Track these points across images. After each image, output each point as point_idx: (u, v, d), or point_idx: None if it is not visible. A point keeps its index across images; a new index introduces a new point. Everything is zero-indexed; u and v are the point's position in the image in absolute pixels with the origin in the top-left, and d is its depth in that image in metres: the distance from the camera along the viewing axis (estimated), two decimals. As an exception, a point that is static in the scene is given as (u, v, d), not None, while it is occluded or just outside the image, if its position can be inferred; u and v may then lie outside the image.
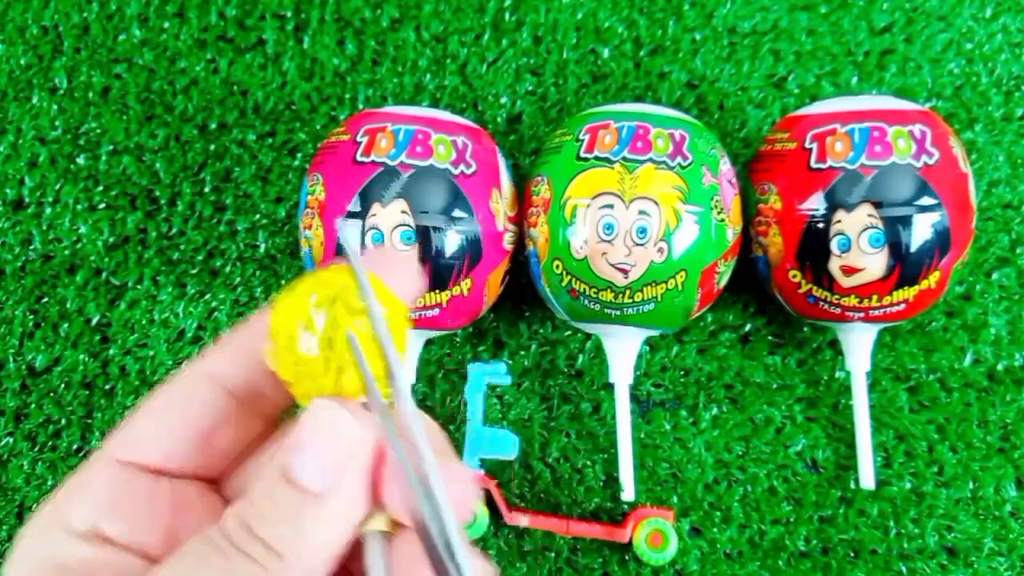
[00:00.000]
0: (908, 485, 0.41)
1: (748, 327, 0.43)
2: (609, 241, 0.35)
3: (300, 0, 0.47)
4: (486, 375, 0.39)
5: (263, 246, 0.44)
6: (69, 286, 0.44)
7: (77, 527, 0.19)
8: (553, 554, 0.41)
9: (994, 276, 0.43)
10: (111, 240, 0.44)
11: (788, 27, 0.46)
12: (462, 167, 0.36)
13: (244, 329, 0.21)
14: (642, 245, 0.35)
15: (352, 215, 0.36)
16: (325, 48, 0.46)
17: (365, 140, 0.36)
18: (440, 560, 0.17)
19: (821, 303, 0.37)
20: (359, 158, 0.36)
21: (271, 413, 0.21)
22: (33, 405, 0.43)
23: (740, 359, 0.42)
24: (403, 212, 0.35)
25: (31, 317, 0.44)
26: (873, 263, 0.35)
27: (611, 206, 0.35)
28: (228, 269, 0.44)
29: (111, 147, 0.45)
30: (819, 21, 0.46)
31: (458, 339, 0.43)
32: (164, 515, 0.20)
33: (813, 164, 0.36)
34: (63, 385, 0.43)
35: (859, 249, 0.35)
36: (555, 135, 0.39)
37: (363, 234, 0.36)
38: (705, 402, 0.42)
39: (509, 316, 0.43)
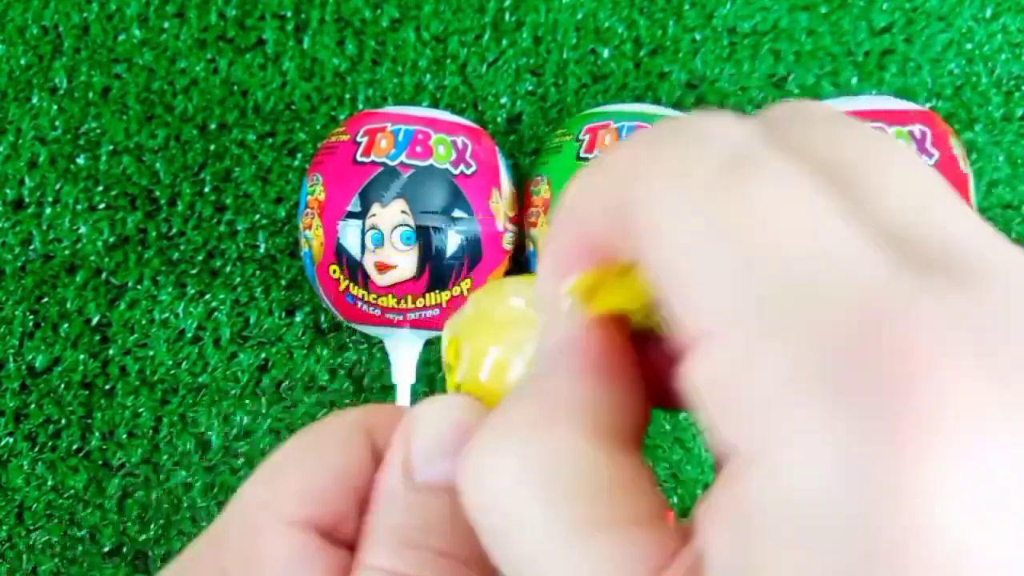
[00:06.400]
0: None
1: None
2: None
3: (300, 0, 0.47)
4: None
5: (263, 246, 0.44)
6: (69, 286, 0.44)
7: None
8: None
9: (994, 276, 0.43)
10: (111, 240, 0.44)
11: (788, 27, 0.46)
12: (462, 167, 0.36)
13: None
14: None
15: (352, 215, 0.36)
16: (325, 48, 0.46)
17: (365, 140, 0.36)
18: None
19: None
20: (359, 158, 0.36)
21: None
22: (33, 405, 0.43)
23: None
24: (403, 212, 0.35)
25: (31, 317, 0.44)
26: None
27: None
28: (228, 269, 0.44)
29: (111, 147, 0.45)
30: (819, 21, 0.46)
31: (458, 339, 0.43)
32: None
33: (813, 164, 0.36)
34: (63, 385, 0.43)
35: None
36: (555, 135, 0.39)
37: (363, 234, 0.36)
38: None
39: (509, 316, 0.43)
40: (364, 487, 0.17)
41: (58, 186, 0.45)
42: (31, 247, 0.44)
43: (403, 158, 0.36)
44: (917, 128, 0.36)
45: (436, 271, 0.36)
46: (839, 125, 0.12)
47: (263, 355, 0.43)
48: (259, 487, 0.17)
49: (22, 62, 0.47)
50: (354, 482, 0.17)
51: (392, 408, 0.19)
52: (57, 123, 0.46)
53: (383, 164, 0.36)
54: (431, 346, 0.43)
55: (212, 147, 0.45)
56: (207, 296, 0.44)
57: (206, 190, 0.45)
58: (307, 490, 0.17)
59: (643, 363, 0.14)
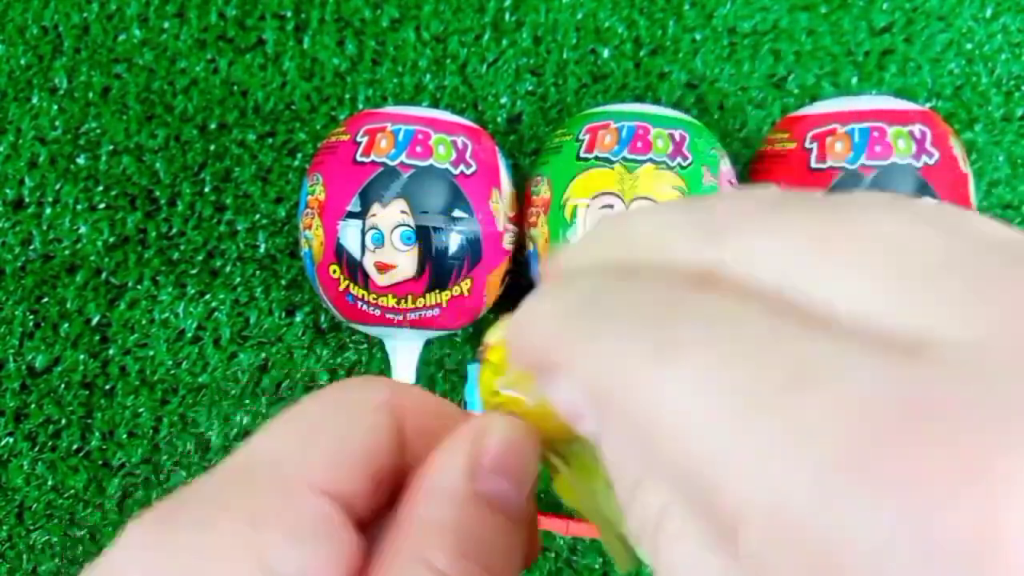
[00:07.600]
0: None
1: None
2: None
3: (300, 0, 0.47)
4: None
5: (263, 246, 0.44)
6: (69, 286, 0.44)
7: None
8: (553, 554, 0.40)
9: (994, 276, 0.43)
10: (111, 240, 0.44)
11: (788, 27, 0.46)
12: (462, 167, 0.36)
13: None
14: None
15: (352, 215, 0.36)
16: (325, 48, 0.46)
17: (365, 140, 0.36)
18: None
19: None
20: (359, 158, 0.36)
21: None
22: (33, 405, 0.43)
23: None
24: (403, 212, 0.35)
25: (31, 317, 0.44)
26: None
27: (611, 206, 0.35)
28: (228, 269, 0.44)
29: (111, 147, 0.45)
30: (819, 21, 0.46)
31: (458, 339, 0.43)
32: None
33: (813, 164, 0.36)
34: (63, 385, 0.43)
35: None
36: (555, 135, 0.39)
37: (363, 234, 0.36)
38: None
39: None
40: (382, 469, 0.16)
41: (58, 186, 0.45)
42: (31, 247, 0.44)
43: (403, 158, 0.36)
44: (917, 128, 0.36)
45: (436, 271, 0.36)
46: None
47: (263, 355, 0.43)
48: (292, 445, 0.16)
49: (22, 62, 0.47)
50: (376, 463, 0.16)
51: (419, 392, 0.18)
52: (57, 123, 0.46)
53: (383, 164, 0.36)
54: (431, 346, 0.43)
55: (212, 147, 0.45)
56: (207, 296, 0.44)
57: (206, 190, 0.45)
58: (336, 462, 0.16)
59: None
